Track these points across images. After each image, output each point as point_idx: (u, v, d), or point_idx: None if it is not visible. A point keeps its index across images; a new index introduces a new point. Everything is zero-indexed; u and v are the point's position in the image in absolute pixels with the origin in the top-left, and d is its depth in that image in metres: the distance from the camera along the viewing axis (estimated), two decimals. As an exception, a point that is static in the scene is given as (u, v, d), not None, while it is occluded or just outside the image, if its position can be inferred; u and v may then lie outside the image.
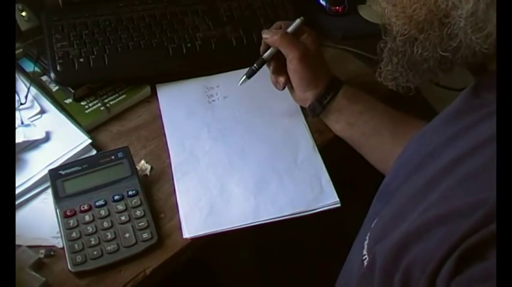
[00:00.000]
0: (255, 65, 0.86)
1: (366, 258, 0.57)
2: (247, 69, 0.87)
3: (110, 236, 0.73)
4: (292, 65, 0.84)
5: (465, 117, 0.53)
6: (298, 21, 0.86)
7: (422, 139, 0.62)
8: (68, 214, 0.74)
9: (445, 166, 0.51)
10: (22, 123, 0.85)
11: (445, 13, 0.48)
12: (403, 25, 0.52)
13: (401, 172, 0.61)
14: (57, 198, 0.76)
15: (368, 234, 0.59)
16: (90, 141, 0.84)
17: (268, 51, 0.86)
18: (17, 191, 0.77)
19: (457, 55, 0.50)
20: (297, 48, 0.83)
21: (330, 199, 0.81)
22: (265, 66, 0.87)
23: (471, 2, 0.46)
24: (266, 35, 0.86)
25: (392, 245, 0.51)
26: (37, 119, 0.87)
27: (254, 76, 0.87)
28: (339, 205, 0.81)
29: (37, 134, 0.84)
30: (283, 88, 0.88)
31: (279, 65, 0.87)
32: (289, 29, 0.86)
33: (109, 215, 0.75)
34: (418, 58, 0.53)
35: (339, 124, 0.86)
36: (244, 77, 0.86)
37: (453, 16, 0.48)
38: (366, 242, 0.58)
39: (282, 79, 0.87)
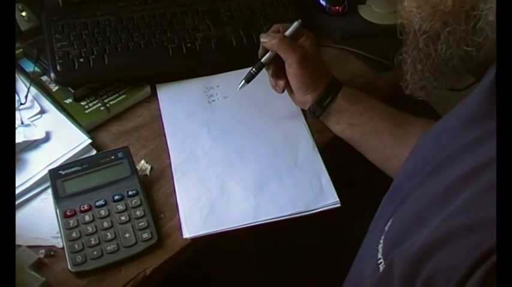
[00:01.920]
0: (253, 69, 0.86)
1: (381, 262, 0.55)
2: (247, 69, 0.87)
3: (110, 236, 0.73)
4: (292, 69, 0.84)
5: (486, 122, 0.50)
6: (295, 24, 0.85)
7: (438, 141, 0.59)
8: (68, 214, 0.74)
9: (467, 172, 0.48)
10: (22, 123, 0.85)
11: (472, 5, 0.45)
12: (427, 18, 0.49)
13: (414, 173, 0.60)
14: (57, 198, 0.76)
15: (382, 237, 0.57)
16: (90, 141, 0.84)
17: (267, 55, 0.85)
18: (17, 191, 0.77)
19: (481, 52, 0.48)
20: (295, 52, 0.83)
21: (330, 199, 0.81)
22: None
23: None
24: (264, 39, 0.85)
25: (414, 252, 0.49)
26: (37, 119, 0.87)
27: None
28: (339, 205, 0.81)
29: (37, 134, 0.84)
30: (283, 91, 0.88)
31: (277, 68, 0.86)
32: (287, 33, 0.85)
33: (109, 215, 0.75)
34: (442, 57, 0.50)
35: (339, 125, 0.86)
36: (243, 81, 0.86)
37: (481, 9, 0.45)
38: (380, 246, 0.56)
39: (281, 82, 0.86)
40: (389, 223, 0.58)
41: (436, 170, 0.54)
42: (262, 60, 0.85)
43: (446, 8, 0.47)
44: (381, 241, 0.57)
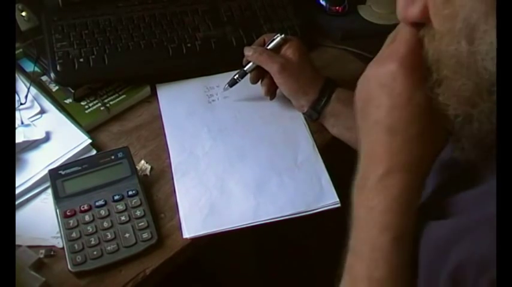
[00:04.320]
0: (237, 75, 0.90)
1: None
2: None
3: (109, 236, 0.73)
4: (276, 79, 0.87)
5: None
6: (278, 39, 0.88)
7: None
8: (68, 214, 0.74)
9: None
10: (22, 123, 0.85)
11: (490, 82, 0.46)
12: (456, 105, 0.49)
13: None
14: (57, 198, 0.76)
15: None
16: (90, 141, 0.84)
17: (249, 64, 0.89)
18: (17, 191, 0.77)
19: None
20: (275, 63, 0.86)
21: (330, 199, 0.81)
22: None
23: None
24: (247, 53, 0.89)
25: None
26: (37, 119, 0.87)
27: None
28: (338, 205, 0.81)
29: (37, 134, 0.84)
30: (271, 98, 0.91)
31: (259, 76, 0.89)
32: (269, 46, 0.88)
33: (109, 215, 0.75)
34: (477, 133, 0.49)
35: (336, 128, 0.87)
36: (227, 85, 0.91)
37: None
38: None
39: (264, 89, 0.90)
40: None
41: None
42: (245, 68, 0.90)
43: (467, 93, 0.47)
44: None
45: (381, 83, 0.54)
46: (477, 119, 0.48)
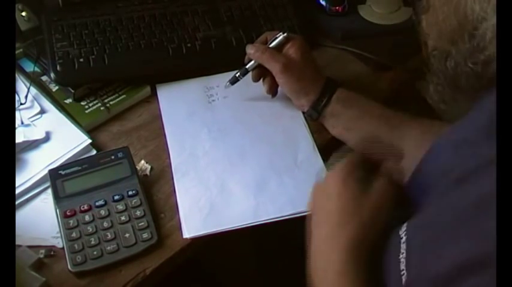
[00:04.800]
0: (238, 73, 0.89)
1: (404, 273, 0.54)
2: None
3: (109, 236, 0.73)
4: (278, 78, 0.87)
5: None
6: (281, 37, 0.88)
7: (459, 151, 0.57)
8: (68, 214, 0.74)
9: (485, 196, 0.47)
10: (22, 123, 0.85)
11: (473, 25, 0.48)
12: (436, 36, 0.52)
13: (433, 180, 0.58)
14: (57, 198, 0.76)
15: (404, 247, 0.55)
16: (90, 141, 0.84)
17: (251, 63, 0.89)
18: (17, 191, 0.77)
19: (487, 69, 0.49)
20: (277, 62, 0.85)
21: (330, 199, 0.81)
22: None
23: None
24: (249, 51, 0.88)
25: (440, 274, 0.48)
26: (37, 119, 0.87)
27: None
28: (339, 205, 0.81)
29: (37, 134, 0.84)
30: (273, 96, 0.91)
31: (261, 74, 0.89)
32: (272, 45, 0.88)
33: (109, 215, 0.75)
34: (452, 73, 0.52)
35: (336, 129, 0.87)
36: (228, 83, 0.90)
37: (481, 28, 0.47)
38: (403, 256, 0.55)
39: (266, 87, 0.90)
40: (404, 230, 0.56)
41: (460, 181, 0.53)
42: (247, 66, 0.89)
43: (449, 27, 0.49)
44: (403, 251, 0.55)
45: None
46: (454, 57, 0.51)
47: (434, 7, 0.51)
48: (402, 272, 0.54)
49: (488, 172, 0.49)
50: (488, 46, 0.47)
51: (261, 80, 0.90)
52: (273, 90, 0.90)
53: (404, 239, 0.56)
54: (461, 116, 0.56)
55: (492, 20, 0.45)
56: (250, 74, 0.90)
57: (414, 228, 0.56)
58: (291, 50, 0.87)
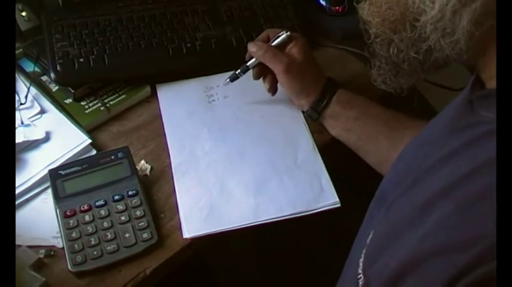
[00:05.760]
0: (239, 70, 0.89)
1: (360, 277, 0.55)
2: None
3: (110, 236, 0.73)
4: (280, 79, 0.86)
5: (462, 133, 0.51)
6: (284, 36, 0.87)
7: (421, 149, 0.60)
8: (68, 214, 0.74)
9: (441, 188, 0.49)
10: (22, 123, 0.85)
11: (414, 16, 0.49)
12: (378, 25, 0.54)
13: (397, 180, 0.60)
14: (57, 198, 0.76)
15: (364, 251, 0.57)
16: (90, 141, 0.84)
17: (252, 60, 0.88)
18: (17, 191, 0.77)
19: (430, 58, 0.52)
20: (280, 62, 0.85)
21: (329, 199, 0.81)
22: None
23: (436, 8, 0.46)
24: (252, 49, 0.87)
25: (389, 273, 0.49)
26: (37, 119, 0.87)
27: (254, 76, 0.89)
28: (338, 205, 0.81)
29: (37, 134, 0.84)
30: (273, 94, 0.90)
31: (262, 72, 0.88)
32: (274, 43, 0.87)
33: (109, 215, 0.75)
34: (395, 59, 0.55)
35: (335, 130, 0.87)
36: (228, 80, 0.89)
37: (422, 20, 0.49)
38: (361, 260, 0.56)
39: (267, 85, 0.89)
40: (370, 236, 0.57)
41: (416, 181, 0.55)
42: (248, 64, 0.88)
43: (392, 17, 0.52)
44: (362, 255, 0.56)
45: None
46: (396, 45, 0.53)
47: None
48: (359, 276, 0.55)
49: (438, 171, 0.51)
50: (430, 37, 0.49)
51: (261, 78, 0.90)
52: (273, 89, 0.90)
53: (368, 243, 0.57)
54: None
55: (431, 13, 0.47)
56: (250, 72, 0.89)
57: (374, 233, 0.57)
58: (293, 49, 0.86)
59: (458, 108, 0.55)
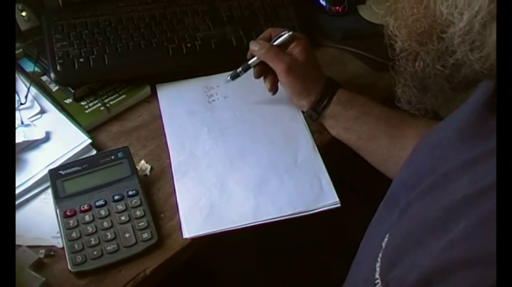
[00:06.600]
0: (240, 69, 0.88)
1: (378, 282, 0.54)
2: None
3: (110, 236, 0.73)
4: (281, 78, 0.86)
5: (484, 139, 0.50)
6: (286, 35, 0.86)
7: (435, 152, 0.59)
8: (68, 214, 0.74)
9: (464, 196, 0.47)
10: (22, 123, 0.85)
11: (442, 28, 0.48)
12: (405, 37, 0.52)
13: (412, 183, 0.59)
14: (57, 198, 0.76)
15: (380, 255, 0.56)
16: (90, 141, 0.84)
17: (254, 59, 0.88)
18: (17, 191, 0.77)
19: (459, 74, 0.50)
20: (282, 62, 0.84)
21: (329, 199, 0.81)
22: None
23: (465, 20, 0.45)
24: (253, 47, 0.86)
25: (413, 281, 0.48)
26: (37, 119, 0.87)
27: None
28: (338, 205, 0.81)
29: (37, 134, 0.84)
30: (274, 93, 0.90)
31: (263, 71, 0.88)
32: (276, 43, 0.86)
33: (109, 215, 0.75)
34: (421, 75, 0.53)
35: (335, 129, 0.87)
36: (229, 77, 0.89)
37: (449, 32, 0.47)
38: (378, 265, 0.55)
39: (267, 84, 0.89)
40: (386, 239, 0.57)
41: (434, 186, 0.54)
42: (249, 62, 0.88)
43: (419, 29, 0.50)
44: (379, 260, 0.56)
45: None
46: (422, 58, 0.51)
47: (404, 9, 0.51)
48: (376, 281, 0.54)
49: (458, 178, 0.50)
50: (457, 50, 0.47)
51: (262, 77, 0.90)
52: (274, 89, 0.89)
53: (383, 246, 0.56)
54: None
55: (459, 25, 0.45)
56: (251, 72, 0.89)
57: (389, 236, 0.56)
58: (295, 50, 0.86)
59: (474, 115, 0.54)
